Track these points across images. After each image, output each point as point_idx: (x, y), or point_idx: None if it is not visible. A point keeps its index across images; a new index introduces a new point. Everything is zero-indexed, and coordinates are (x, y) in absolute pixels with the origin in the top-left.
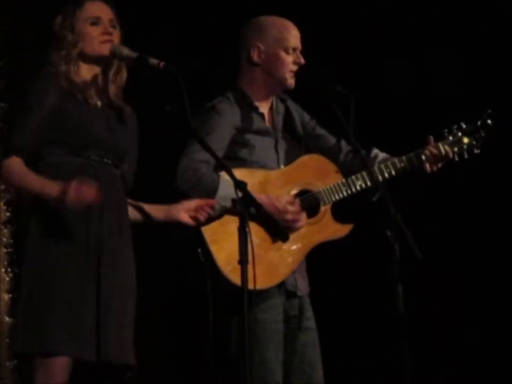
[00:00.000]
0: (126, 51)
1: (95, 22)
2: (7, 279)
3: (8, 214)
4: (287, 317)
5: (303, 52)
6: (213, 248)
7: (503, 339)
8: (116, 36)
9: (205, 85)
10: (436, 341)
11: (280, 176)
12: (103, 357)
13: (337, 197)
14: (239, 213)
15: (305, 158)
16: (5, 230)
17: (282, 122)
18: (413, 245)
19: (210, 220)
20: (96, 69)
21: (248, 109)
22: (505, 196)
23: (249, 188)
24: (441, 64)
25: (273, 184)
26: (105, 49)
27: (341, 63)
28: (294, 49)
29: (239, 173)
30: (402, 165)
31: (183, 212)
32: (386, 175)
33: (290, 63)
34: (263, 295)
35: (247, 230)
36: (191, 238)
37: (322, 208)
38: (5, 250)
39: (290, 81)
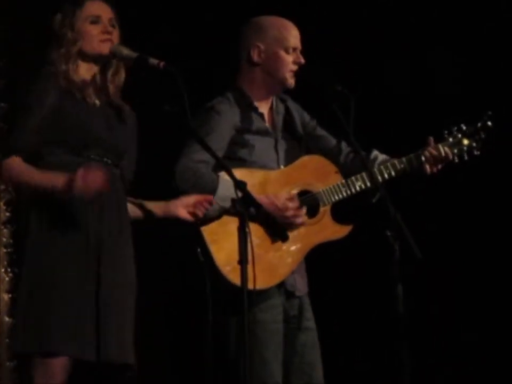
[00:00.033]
0: (126, 51)
1: (95, 20)
2: (7, 279)
3: (8, 214)
4: (286, 317)
5: (303, 52)
6: (213, 248)
7: (503, 339)
8: (115, 35)
9: (205, 85)
10: (436, 341)
11: (280, 176)
12: (103, 356)
13: (336, 198)
14: (239, 213)
15: (305, 158)
16: (5, 230)
17: (282, 122)
18: (413, 245)
19: (209, 220)
20: (95, 68)
21: (248, 109)
22: (505, 196)
23: (249, 188)
24: (441, 64)
25: (273, 184)
26: (104, 48)
27: (341, 63)
28: (294, 49)
29: (238, 173)
30: (402, 166)
31: (182, 207)
32: (386, 176)
33: (290, 63)
34: (262, 295)
35: (247, 230)
36: (190, 238)
37: (322, 209)
38: (5, 250)
39: (290, 81)
